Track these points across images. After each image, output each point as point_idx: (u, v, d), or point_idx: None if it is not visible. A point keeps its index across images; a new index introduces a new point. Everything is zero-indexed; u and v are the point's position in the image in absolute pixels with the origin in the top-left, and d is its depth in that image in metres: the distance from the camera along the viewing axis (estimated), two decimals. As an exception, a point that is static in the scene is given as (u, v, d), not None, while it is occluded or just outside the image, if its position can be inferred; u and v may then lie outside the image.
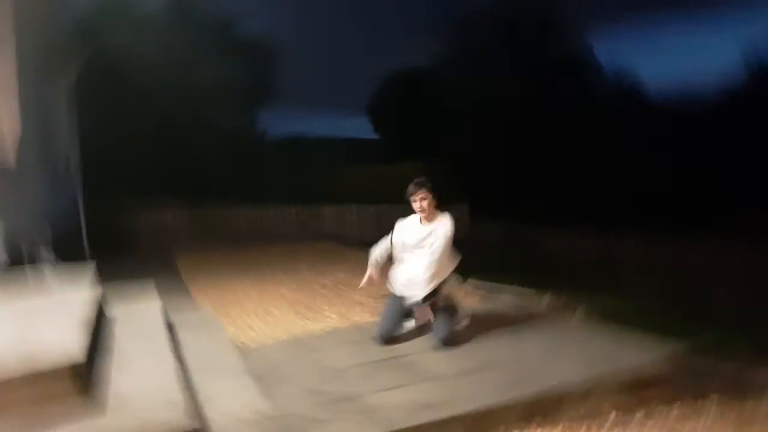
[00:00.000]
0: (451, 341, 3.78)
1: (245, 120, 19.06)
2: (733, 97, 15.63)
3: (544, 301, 5.56)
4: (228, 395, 2.73)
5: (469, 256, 4.38)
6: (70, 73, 8.16)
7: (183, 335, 3.67)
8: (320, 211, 12.92)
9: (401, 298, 4.08)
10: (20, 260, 4.59)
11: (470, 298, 5.41)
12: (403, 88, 19.62)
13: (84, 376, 2.23)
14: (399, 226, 4.26)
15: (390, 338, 3.94)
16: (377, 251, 4.44)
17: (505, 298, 5.37)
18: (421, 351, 3.71)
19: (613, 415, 2.94)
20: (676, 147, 13.10)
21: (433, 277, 3.91)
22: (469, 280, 6.18)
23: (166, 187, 12.50)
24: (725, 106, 15.52)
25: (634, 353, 3.39)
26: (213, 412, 2.51)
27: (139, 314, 3.59)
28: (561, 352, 3.56)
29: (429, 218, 4.03)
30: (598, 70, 18.35)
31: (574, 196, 13.09)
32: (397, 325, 4.05)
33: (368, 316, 5.05)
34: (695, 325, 5.52)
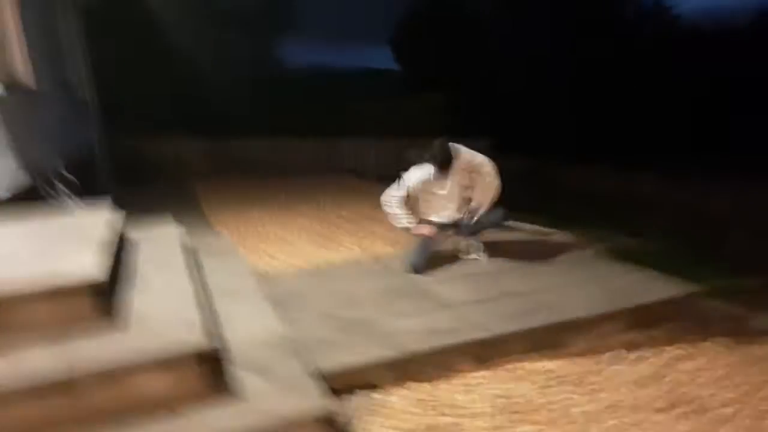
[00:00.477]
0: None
1: (264, 49, 18.68)
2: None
3: (562, 236, 5.54)
4: (246, 318, 2.79)
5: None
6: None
7: (202, 260, 3.74)
8: (339, 145, 12.85)
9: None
10: (37, 187, 4.64)
11: (488, 231, 5.40)
12: (426, 18, 18.96)
13: (104, 296, 2.28)
14: (416, 176, 4.33)
15: (421, 269, 4.01)
16: (397, 205, 4.43)
17: (525, 233, 5.36)
18: (438, 281, 3.75)
19: (618, 352, 2.97)
20: (706, 76, 12.61)
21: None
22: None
23: (185, 117, 12.47)
24: (758, 30, 14.81)
25: (643, 292, 3.39)
26: (231, 333, 2.58)
27: (160, 238, 3.65)
28: (574, 287, 3.56)
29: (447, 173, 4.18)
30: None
31: (600, 129, 12.79)
32: (428, 256, 4.12)
33: (387, 247, 5.09)
34: (707, 266, 5.49)
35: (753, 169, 9.22)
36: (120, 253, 3.25)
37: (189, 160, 11.42)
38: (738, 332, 3.31)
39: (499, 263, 4.14)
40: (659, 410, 2.34)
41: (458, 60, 16.61)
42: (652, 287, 3.47)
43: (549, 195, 10.03)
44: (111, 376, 1.97)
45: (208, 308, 2.76)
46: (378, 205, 7.29)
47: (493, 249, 4.43)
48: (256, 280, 3.46)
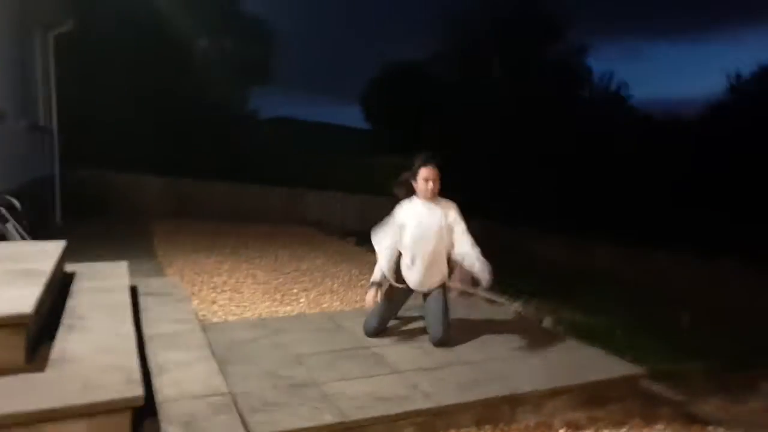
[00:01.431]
0: (445, 342, 3.65)
1: (237, 97, 18.84)
2: (715, 114, 16.03)
3: (514, 306, 5.57)
4: (181, 367, 2.65)
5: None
6: (51, 28, 7.98)
7: (144, 300, 3.59)
8: (304, 195, 12.82)
9: (406, 293, 3.87)
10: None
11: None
12: (398, 82, 19.57)
13: (32, 333, 2.15)
14: (402, 208, 3.87)
15: (374, 332, 3.77)
16: (385, 257, 3.78)
17: (474, 301, 5.35)
18: (387, 344, 3.67)
19: (561, 431, 2.93)
20: (657, 157, 13.32)
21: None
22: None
23: (149, 156, 12.30)
24: (707, 121, 15.90)
25: (591, 371, 3.38)
26: (162, 383, 2.44)
27: (105, 277, 3.51)
28: (522, 360, 3.54)
29: (434, 201, 3.74)
30: (588, 76, 18.48)
31: (555, 201, 13.19)
32: (389, 319, 3.88)
33: (339, 304, 5.02)
34: (657, 345, 5.60)
35: (705, 253, 9.59)
36: (60, 287, 3.10)
37: (148, 197, 11.19)
38: (678, 419, 3.32)
39: (452, 330, 4.10)
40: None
41: (426, 124, 17.07)
42: (599, 366, 3.47)
43: (504, 264, 10.16)
44: (29, 421, 1.83)
45: (141, 352, 2.63)
46: (337, 261, 7.28)
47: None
48: (200, 329, 3.33)
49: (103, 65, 12.35)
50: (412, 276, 3.81)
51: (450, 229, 3.71)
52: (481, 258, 3.64)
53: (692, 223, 10.91)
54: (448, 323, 3.72)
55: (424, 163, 3.71)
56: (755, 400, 4.14)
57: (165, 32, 13.89)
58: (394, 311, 3.94)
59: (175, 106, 13.62)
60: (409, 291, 3.90)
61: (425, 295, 3.89)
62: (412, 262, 3.76)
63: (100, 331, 2.51)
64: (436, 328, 3.66)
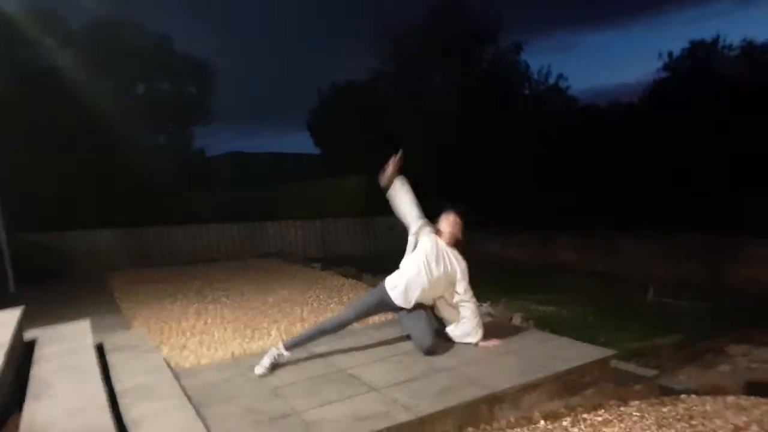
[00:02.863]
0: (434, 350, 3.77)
1: (182, 138, 18.64)
2: (655, 94, 16.61)
3: (483, 308, 5.66)
4: (157, 417, 2.62)
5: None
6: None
7: (111, 357, 3.52)
8: (263, 228, 12.73)
9: (386, 303, 3.95)
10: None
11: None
12: (342, 103, 19.69)
13: (-2, 407, 2.10)
14: (430, 238, 3.97)
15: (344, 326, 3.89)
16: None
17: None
18: (362, 363, 3.69)
19: (541, 423, 3.00)
20: (601, 145, 13.74)
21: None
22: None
23: (102, 211, 12.04)
24: (648, 102, 16.44)
25: (564, 360, 3.48)
26: (142, 437, 2.41)
27: (65, 335, 3.43)
28: (496, 359, 3.62)
29: (452, 247, 3.96)
30: (527, 74, 18.94)
31: (512, 199, 13.44)
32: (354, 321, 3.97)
33: (309, 331, 4.99)
34: (630, 326, 5.78)
35: (657, 228, 9.92)
36: (22, 356, 3.02)
37: (103, 250, 10.92)
38: (652, 393, 3.44)
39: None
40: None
41: (377, 142, 17.19)
42: (570, 354, 3.58)
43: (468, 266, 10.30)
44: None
45: (115, 409, 2.58)
46: (303, 288, 7.25)
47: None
48: (173, 376, 3.28)
49: (38, 122, 12.07)
50: (402, 297, 3.89)
51: (451, 282, 3.92)
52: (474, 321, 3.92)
53: (648, 204, 11.27)
54: (434, 331, 3.86)
55: (454, 211, 4.00)
56: (723, 364, 4.33)
57: (99, 80, 13.71)
58: (360, 318, 4.02)
59: (118, 154, 13.38)
60: (379, 308, 4.03)
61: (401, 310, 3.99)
62: (406, 288, 3.87)
63: (68, 395, 2.46)
64: (424, 338, 3.78)
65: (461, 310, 3.94)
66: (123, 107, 14.20)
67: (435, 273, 3.84)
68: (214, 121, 18.87)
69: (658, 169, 12.23)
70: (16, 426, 2.14)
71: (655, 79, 17.25)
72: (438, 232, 3.99)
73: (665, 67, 17.15)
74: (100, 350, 3.64)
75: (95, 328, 3.86)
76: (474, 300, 3.97)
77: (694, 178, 11.57)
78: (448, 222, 3.96)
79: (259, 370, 3.65)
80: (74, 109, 12.55)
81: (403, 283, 3.88)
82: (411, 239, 4.01)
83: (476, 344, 3.90)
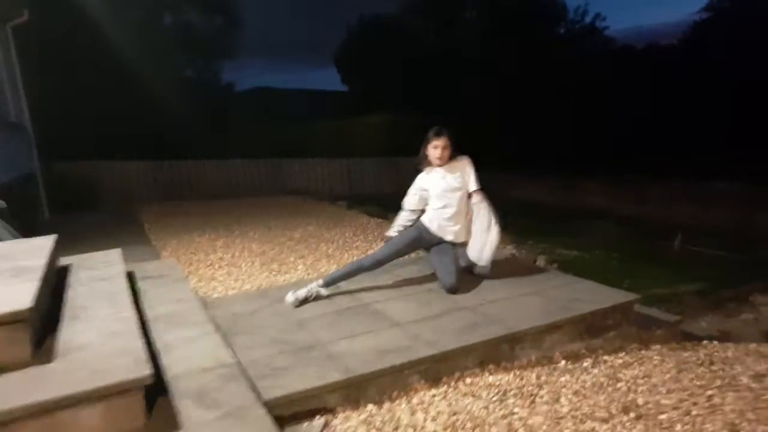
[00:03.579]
0: (457, 288, 3.84)
1: (209, 71, 18.54)
2: (696, 36, 15.93)
3: (506, 250, 5.65)
4: (186, 344, 2.71)
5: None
6: (6, 21, 7.74)
7: (142, 284, 3.63)
8: (289, 165, 12.76)
9: (423, 239, 4.05)
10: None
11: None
12: (370, 39, 19.21)
13: (33, 322, 2.18)
14: (421, 177, 4.14)
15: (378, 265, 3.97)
16: (404, 216, 4.21)
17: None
18: (385, 299, 3.74)
19: (562, 363, 3.03)
20: (637, 88, 13.30)
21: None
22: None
23: (128, 140, 12.18)
24: (687, 49, 15.81)
25: (586, 302, 3.47)
26: (170, 360, 2.50)
27: (100, 265, 3.52)
28: (518, 299, 3.63)
29: (447, 166, 4.01)
30: (563, 14, 18.21)
31: (540, 142, 13.20)
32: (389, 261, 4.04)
33: (336, 267, 5.06)
34: (655, 272, 5.72)
35: (690, 174, 9.69)
36: (56, 281, 3.12)
37: (132, 182, 11.11)
38: (673, 338, 3.44)
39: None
40: (603, 419, 2.39)
41: (400, 80, 16.85)
42: (593, 297, 3.57)
43: (497, 209, 10.25)
44: (44, 410, 1.87)
45: (146, 334, 2.68)
46: (329, 225, 7.32)
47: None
48: (201, 305, 3.37)
49: (67, 54, 12.07)
50: (450, 228, 4.02)
51: (466, 183, 4.03)
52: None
53: (684, 150, 10.97)
54: (458, 270, 3.93)
55: (431, 135, 3.99)
56: (746, 312, 4.29)
57: (127, 13, 13.57)
58: (397, 256, 4.09)
59: (147, 87, 13.39)
60: (415, 244, 4.10)
61: (432, 247, 4.09)
62: (449, 217, 4.00)
63: (102, 319, 2.54)
64: (449, 276, 3.85)
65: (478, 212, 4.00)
66: (151, 39, 14.10)
67: (452, 189, 3.96)
68: (242, 54, 18.67)
69: (695, 115, 11.81)
70: (51, 348, 2.22)
71: (695, 20, 16.47)
72: (429, 165, 4.05)
73: (707, 8, 16.32)
74: (131, 278, 3.74)
75: (126, 257, 3.95)
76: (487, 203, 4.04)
77: (732, 124, 11.17)
78: (428, 150, 4.01)
79: (290, 297, 3.73)
80: (103, 41, 12.51)
81: (437, 217, 4.00)
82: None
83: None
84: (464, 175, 4.02)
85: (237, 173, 12.15)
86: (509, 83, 14.82)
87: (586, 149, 12.29)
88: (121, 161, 11.12)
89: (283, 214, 8.55)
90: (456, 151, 4.02)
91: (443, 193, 3.98)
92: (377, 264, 3.96)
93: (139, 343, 2.24)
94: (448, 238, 4.03)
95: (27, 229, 4.94)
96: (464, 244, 4.05)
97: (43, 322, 2.38)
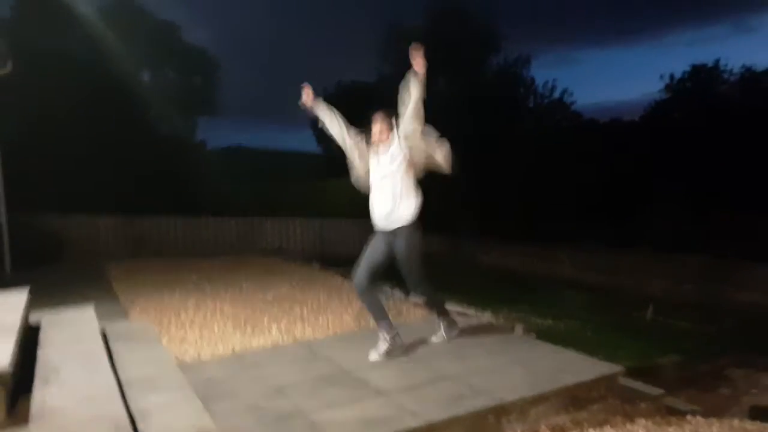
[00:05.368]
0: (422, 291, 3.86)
1: (185, 129, 18.58)
2: (656, 113, 16.81)
3: (485, 317, 5.64)
4: (164, 409, 2.58)
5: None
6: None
7: (115, 346, 3.48)
8: (262, 224, 12.68)
9: (382, 240, 3.94)
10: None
11: (412, 314, 5.41)
12: (347, 103, 19.68)
13: (8, 385, 2.07)
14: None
15: (363, 290, 3.88)
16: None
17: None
18: (368, 366, 3.67)
19: (547, 435, 2.99)
20: (604, 159, 13.83)
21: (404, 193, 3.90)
22: (411, 296, 6.20)
23: (101, 197, 11.95)
24: (650, 120, 16.65)
25: (571, 373, 3.47)
26: (149, 427, 2.37)
27: (70, 320, 3.39)
28: (502, 370, 3.60)
29: (387, 144, 3.97)
30: (532, 89, 19.00)
31: (511, 212, 13.46)
32: (371, 273, 3.90)
33: (311, 331, 4.96)
34: (627, 343, 5.76)
35: (658, 248, 9.94)
36: (27, 339, 2.98)
37: (102, 240, 10.85)
38: (657, 412, 3.43)
39: (426, 346, 4.13)
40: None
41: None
42: (577, 368, 3.56)
43: (468, 275, 10.33)
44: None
45: (122, 399, 2.55)
46: (303, 287, 7.21)
47: (419, 330, 4.43)
48: (174, 366, 3.25)
49: (44, 106, 11.99)
50: (378, 212, 3.93)
51: (405, 143, 3.92)
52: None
53: (650, 221, 11.32)
54: (420, 268, 3.87)
55: (373, 116, 4.01)
56: (724, 386, 4.32)
57: (106, 68, 13.64)
58: (376, 260, 3.93)
59: (121, 142, 13.31)
60: (384, 239, 3.95)
61: (392, 240, 3.93)
62: (376, 200, 3.94)
63: (78, 381, 2.42)
64: (410, 279, 3.86)
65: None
66: (128, 94, 14.14)
67: (382, 164, 3.93)
68: (218, 113, 18.82)
69: (659, 187, 12.29)
70: (26, 409, 2.10)
71: (656, 99, 17.42)
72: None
73: (667, 88, 17.32)
74: (103, 337, 3.60)
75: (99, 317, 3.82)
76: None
77: (694, 198, 11.63)
78: (372, 131, 4.01)
79: (374, 356, 3.79)
80: (79, 93, 12.48)
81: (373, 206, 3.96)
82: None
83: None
84: (398, 138, 3.95)
85: (208, 231, 12.00)
86: (480, 152, 15.23)
87: (555, 218, 12.58)
88: (88, 215, 10.87)
89: (255, 273, 8.41)
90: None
91: (380, 171, 3.94)
92: (370, 275, 3.87)
93: (119, 410, 2.13)
94: (379, 224, 3.95)
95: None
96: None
97: (16, 382, 2.25)
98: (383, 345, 3.83)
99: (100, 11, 13.96)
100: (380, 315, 3.90)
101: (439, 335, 4.24)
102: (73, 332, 3.19)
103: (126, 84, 14.32)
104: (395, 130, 3.97)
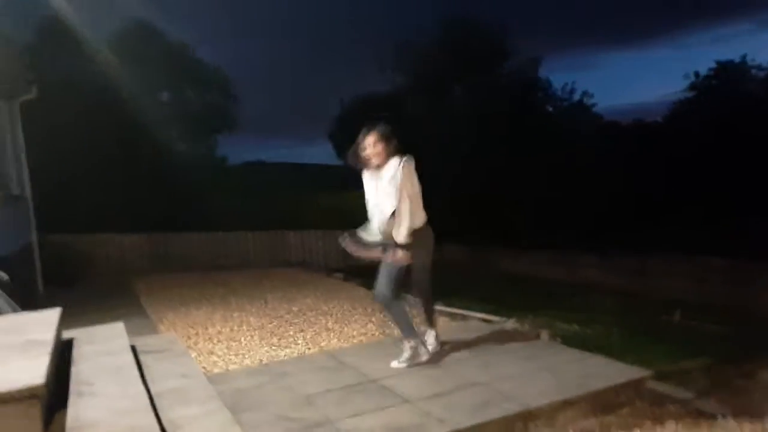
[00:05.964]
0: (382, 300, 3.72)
1: (205, 146, 18.84)
2: (681, 112, 16.54)
3: (510, 323, 5.61)
4: (194, 421, 2.62)
5: (435, 280, 4.31)
6: (15, 97, 7.95)
7: (144, 359, 3.54)
8: (285, 237, 12.78)
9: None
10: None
11: (438, 324, 5.41)
12: (364, 115, 19.79)
13: (44, 399, 2.12)
14: (364, 176, 3.95)
15: (383, 300, 3.81)
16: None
17: (471, 322, 5.40)
18: (393, 375, 3.68)
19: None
20: (628, 161, 13.65)
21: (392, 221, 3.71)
22: (437, 306, 6.20)
23: (126, 215, 12.19)
24: (675, 119, 16.39)
25: (599, 378, 3.45)
26: (183, 440, 2.42)
27: (100, 336, 3.46)
28: (529, 376, 3.59)
29: (381, 166, 3.77)
30: (550, 92, 18.89)
31: (534, 218, 13.37)
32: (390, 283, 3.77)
33: (337, 341, 5.00)
34: (654, 347, 5.67)
35: (684, 251, 9.78)
36: (59, 353, 3.05)
37: (130, 256, 11.05)
38: (687, 415, 3.38)
39: (452, 353, 4.13)
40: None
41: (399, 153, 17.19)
42: (605, 372, 3.54)
43: (493, 283, 10.27)
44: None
45: (154, 411, 2.60)
46: (327, 298, 7.26)
47: (445, 339, 4.43)
48: (206, 381, 3.29)
49: (68, 128, 12.30)
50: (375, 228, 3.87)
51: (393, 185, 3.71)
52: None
53: (675, 224, 11.15)
54: (389, 280, 3.72)
55: (363, 134, 3.80)
56: (756, 391, 4.23)
57: (126, 88, 13.94)
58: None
59: (143, 161, 13.59)
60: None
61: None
62: (375, 225, 3.87)
63: (111, 394, 2.47)
64: (379, 288, 3.77)
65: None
66: (149, 114, 14.43)
67: (378, 193, 3.79)
68: (236, 129, 19.06)
69: (685, 189, 12.11)
70: (62, 423, 2.16)
71: (680, 99, 17.17)
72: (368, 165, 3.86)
73: (692, 86, 17.06)
74: (133, 352, 3.66)
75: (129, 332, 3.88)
76: (407, 203, 3.67)
77: (721, 199, 11.44)
78: (361, 148, 3.82)
79: (397, 365, 3.78)
80: (101, 116, 12.78)
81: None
82: None
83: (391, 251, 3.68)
84: (384, 174, 3.75)
85: (232, 246, 12.14)
86: (500, 159, 15.18)
87: (581, 223, 12.46)
88: (114, 234, 11.09)
89: (280, 286, 8.48)
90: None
91: (374, 199, 3.85)
92: (393, 291, 3.75)
93: (152, 421, 2.17)
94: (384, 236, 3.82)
95: (23, 302, 4.87)
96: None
97: (51, 397, 2.31)
98: (407, 353, 3.84)
99: (115, 35, 14.33)
100: (403, 323, 3.88)
101: (402, 358, 3.89)
102: (104, 348, 3.25)
103: (146, 105, 14.62)
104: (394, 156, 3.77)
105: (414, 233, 3.70)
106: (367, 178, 3.93)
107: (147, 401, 2.39)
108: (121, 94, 13.43)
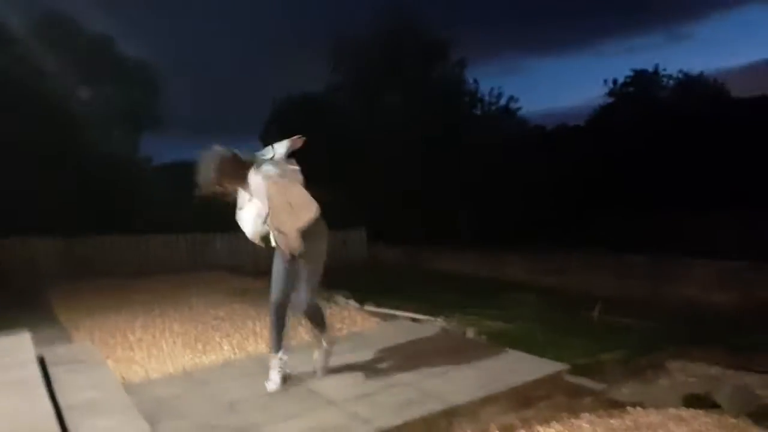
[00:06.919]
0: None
1: (127, 145, 18.06)
2: (601, 117, 17.50)
3: (438, 322, 5.71)
4: (109, 434, 2.52)
5: (367, 280, 4.34)
6: None
7: (55, 370, 3.36)
8: (211, 240, 12.43)
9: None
10: None
11: (367, 323, 5.43)
12: (297, 114, 19.54)
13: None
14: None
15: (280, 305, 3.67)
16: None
17: (400, 322, 5.45)
18: (319, 378, 3.65)
19: (496, 435, 3.05)
20: (551, 163, 14.24)
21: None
22: (366, 306, 6.22)
23: (38, 219, 11.48)
24: (595, 124, 17.31)
25: (519, 373, 3.56)
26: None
27: (3, 348, 3.25)
28: (453, 373, 3.65)
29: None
30: (478, 96, 19.37)
31: (461, 218, 13.68)
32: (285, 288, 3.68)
33: (264, 346, 4.90)
34: (575, 342, 5.92)
35: (605, 248, 10.27)
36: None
37: (43, 261, 10.42)
38: (601, 406, 3.55)
39: (379, 353, 4.15)
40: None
41: (325, 157, 17.15)
42: (525, 368, 3.65)
43: (424, 282, 10.41)
44: None
45: (63, 425, 2.46)
46: (256, 303, 7.12)
47: (372, 339, 4.45)
48: (119, 388, 3.16)
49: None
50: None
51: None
52: None
53: (598, 222, 11.68)
54: (313, 287, 3.64)
55: (206, 167, 3.56)
56: (663, 378, 4.51)
57: (41, 85, 13.18)
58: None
59: (59, 160, 12.87)
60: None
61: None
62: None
63: (13, 411, 2.33)
64: (301, 295, 3.60)
65: None
66: (66, 111, 13.70)
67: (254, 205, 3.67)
68: (163, 128, 18.40)
69: (606, 188, 12.73)
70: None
71: (600, 104, 18.11)
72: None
73: (610, 93, 18.04)
74: (41, 363, 3.46)
75: (34, 341, 3.68)
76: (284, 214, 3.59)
77: (639, 197, 12.10)
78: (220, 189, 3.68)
79: (272, 386, 3.49)
80: (13, 111, 12.02)
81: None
82: None
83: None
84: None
85: (156, 249, 11.69)
86: (430, 161, 15.43)
87: (509, 222, 12.85)
88: (26, 237, 10.44)
89: (205, 291, 8.24)
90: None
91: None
92: (282, 302, 3.69)
93: (58, 436, 2.06)
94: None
95: None
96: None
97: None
98: (278, 373, 3.59)
99: (31, 26, 13.53)
100: (278, 333, 3.66)
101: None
102: (7, 360, 3.06)
103: (63, 100, 13.88)
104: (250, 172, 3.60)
105: (305, 231, 3.60)
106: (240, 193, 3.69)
107: (52, 416, 2.27)
108: (36, 89, 12.68)
